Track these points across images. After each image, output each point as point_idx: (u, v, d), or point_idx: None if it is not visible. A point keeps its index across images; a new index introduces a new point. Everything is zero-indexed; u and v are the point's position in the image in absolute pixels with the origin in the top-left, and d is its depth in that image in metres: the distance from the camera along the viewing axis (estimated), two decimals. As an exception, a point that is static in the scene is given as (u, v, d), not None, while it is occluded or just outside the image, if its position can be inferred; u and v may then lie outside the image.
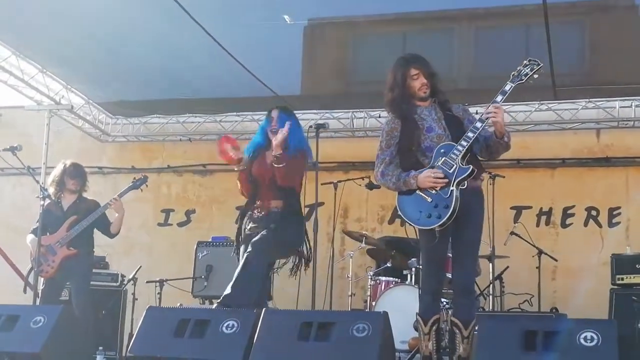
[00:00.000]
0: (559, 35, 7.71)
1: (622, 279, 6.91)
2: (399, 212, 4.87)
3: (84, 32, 8.11)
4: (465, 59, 8.86)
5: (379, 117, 9.48)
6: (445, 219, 4.67)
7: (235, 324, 4.91)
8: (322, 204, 7.06)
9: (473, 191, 4.87)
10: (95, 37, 8.22)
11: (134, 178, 7.58)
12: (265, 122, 6.12)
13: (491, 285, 7.80)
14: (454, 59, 8.69)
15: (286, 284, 6.42)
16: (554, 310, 7.69)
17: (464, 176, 4.71)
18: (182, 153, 10.59)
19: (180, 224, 10.41)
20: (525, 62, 4.93)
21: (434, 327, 4.89)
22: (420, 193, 4.77)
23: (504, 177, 8.03)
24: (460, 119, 4.99)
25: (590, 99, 9.10)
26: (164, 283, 8.29)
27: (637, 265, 6.87)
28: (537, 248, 8.15)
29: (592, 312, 7.39)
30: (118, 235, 7.41)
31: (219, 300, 5.59)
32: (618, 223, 9.01)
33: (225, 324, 4.93)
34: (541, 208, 9.27)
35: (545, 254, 8.17)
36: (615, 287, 6.93)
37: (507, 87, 4.86)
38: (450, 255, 5.03)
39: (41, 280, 6.95)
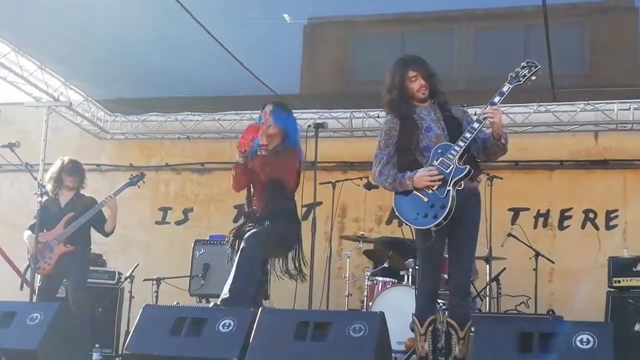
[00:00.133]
0: (559, 36, 7.71)
1: (619, 281, 6.91)
2: (396, 212, 4.87)
3: (84, 30, 8.11)
4: (465, 60, 8.86)
5: (378, 117, 9.48)
6: (441, 218, 4.66)
7: (232, 323, 4.92)
8: (320, 203, 7.07)
9: (470, 192, 4.87)
10: (94, 35, 8.22)
11: (131, 175, 7.58)
12: (258, 119, 6.12)
13: (488, 287, 7.80)
14: (453, 60, 8.69)
15: (283, 283, 6.41)
16: (550, 313, 7.69)
17: (460, 176, 4.71)
18: (181, 151, 10.58)
19: (178, 222, 10.41)
20: (523, 63, 4.93)
21: (430, 328, 4.89)
22: (417, 193, 4.77)
23: (501, 178, 8.03)
24: (459, 120, 4.99)
25: (589, 101, 9.10)
26: (161, 281, 8.28)
27: (634, 268, 6.87)
28: (534, 250, 8.15)
29: (588, 314, 7.40)
30: (115, 233, 7.41)
31: (218, 303, 5.60)
32: (615, 226, 9.01)
33: (222, 323, 4.94)
34: (539, 210, 9.27)
35: (543, 256, 8.17)
36: (612, 289, 6.93)
37: (505, 89, 4.87)
38: (447, 256, 5.04)
39: (38, 277, 6.95)
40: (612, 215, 9.03)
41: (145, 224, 10.44)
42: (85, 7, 7.70)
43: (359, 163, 9.32)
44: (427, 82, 4.97)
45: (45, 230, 6.99)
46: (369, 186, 7.82)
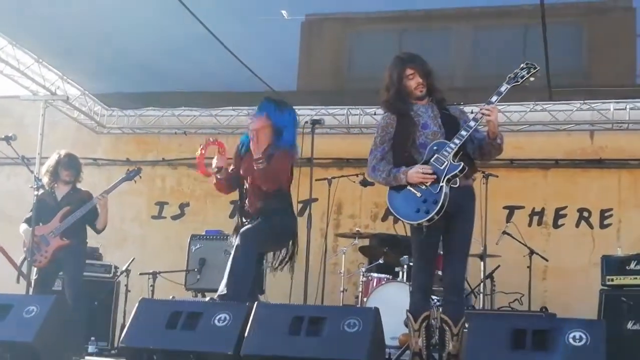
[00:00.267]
0: (556, 36, 7.73)
1: (612, 280, 6.93)
2: (388, 206, 4.89)
3: (81, 24, 8.10)
4: (462, 58, 8.88)
5: (375, 114, 9.50)
6: (433, 214, 4.69)
7: (227, 317, 4.93)
8: (315, 200, 7.09)
9: (465, 190, 4.89)
10: (92, 29, 8.22)
11: (128, 169, 7.59)
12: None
13: (482, 284, 7.83)
14: (451, 58, 8.71)
15: (279, 278, 6.43)
16: (543, 310, 7.72)
17: (454, 173, 4.73)
18: (177, 146, 10.59)
19: (174, 217, 10.43)
20: (522, 65, 4.96)
21: (424, 324, 4.92)
22: (411, 188, 4.79)
23: (497, 176, 8.06)
24: (456, 118, 5.01)
25: (585, 101, 9.13)
26: (157, 275, 8.30)
27: (627, 267, 6.88)
28: (528, 248, 8.18)
29: (581, 312, 7.42)
30: (111, 227, 7.42)
31: (215, 299, 5.62)
32: (609, 225, 9.05)
33: (218, 317, 4.95)
34: (533, 208, 9.31)
35: (537, 253, 8.21)
36: (605, 288, 6.95)
37: (503, 88, 4.89)
38: (442, 252, 5.07)
39: (34, 270, 6.96)
40: (606, 214, 9.07)
41: (141, 219, 10.46)
42: (83, 1, 7.70)
43: (355, 160, 9.34)
44: (425, 80, 4.99)
45: (41, 224, 6.99)
46: (364, 183, 7.83)
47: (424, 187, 4.76)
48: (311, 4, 7.83)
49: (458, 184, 4.76)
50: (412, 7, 7.83)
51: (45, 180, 7.08)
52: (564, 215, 9.21)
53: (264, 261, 6.32)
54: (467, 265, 5.20)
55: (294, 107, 9.05)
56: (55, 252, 6.95)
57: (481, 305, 7.78)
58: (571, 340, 4.41)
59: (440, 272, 5.45)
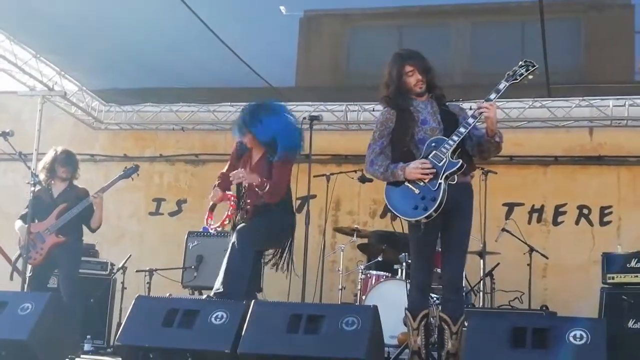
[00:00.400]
0: (555, 32, 7.72)
1: (613, 277, 6.91)
2: (386, 203, 4.86)
3: (79, 19, 8.07)
4: (461, 54, 8.86)
5: (373, 110, 9.46)
6: (431, 211, 4.66)
7: (225, 315, 4.91)
8: (314, 196, 7.07)
9: (463, 187, 4.87)
10: (90, 25, 8.18)
11: (125, 167, 7.55)
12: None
13: (482, 282, 7.80)
14: (449, 54, 8.68)
15: (276, 276, 6.41)
16: (544, 308, 7.69)
17: (452, 170, 4.71)
18: (175, 142, 10.56)
19: (172, 214, 10.39)
20: (521, 62, 4.95)
21: (423, 322, 4.89)
22: (409, 185, 4.77)
23: (496, 173, 8.03)
24: (455, 115, 5.00)
25: (584, 97, 9.11)
26: (154, 273, 8.26)
27: (627, 265, 6.87)
28: (528, 245, 8.16)
29: (582, 310, 7.41)
30: (108, 224, 7.39)
31: (211, 296, 5.60)
32: (609, 222, 9.04)
33: (214, 315, 4.92)
34: (533, 205, 9.29)
35: (536, 251, 8.18)
36: (606, 286, 6.93)
37: (501, 86, 4.88)
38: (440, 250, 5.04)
39: (28, 267, 6.92)
40: (606, 212, 9.06)
41: (138, 215, 10.43)
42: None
43: (353, 156, 9.31)
44: (424, 77, 4.97)
45: (37, 221, 6.96)
46: (363, 179, 7.81)
47: (422, 183, 4.73)
48: (309, 0, 7.79)
49: (456, 180, 4.73)
50: (411, 4, 7.82)
51: (42, 177, 7.05)
52: (564, 213, 9.19)
53: (262, 259, 6.30)
54: (465, 263, 5.16)
55: (293, 103, 9.12)
56: (51, 250, 6.91)
57: (481, 304, 7.75)
58: (572, 339, 4.40)
59: (439, 270, 5.41)
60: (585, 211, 9.12)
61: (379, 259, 7.73)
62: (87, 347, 7.81)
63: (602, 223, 9.03)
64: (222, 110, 10.21)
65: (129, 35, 8.37)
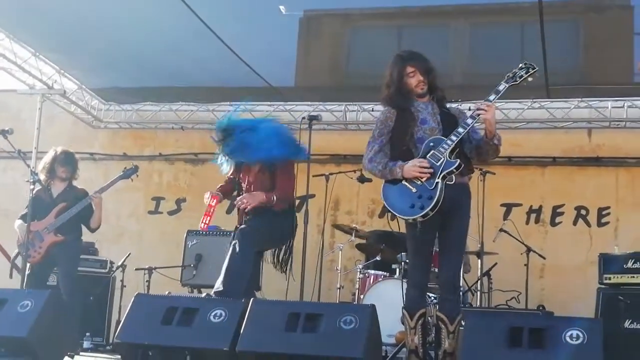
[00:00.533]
0: (554, 33, 7.72)
1: (610, 278, 6.92)
2: (383, 201, 4.88)
3: (79, 18, 8.08)
4: (460, 55, 8.87)
5: (372, 110, 9.48)
6: (427, 209, 4.68)
7: (223, 313, 4.92)
8: (313, 196, 7.07)
9: (461, 187, 4.89)
10: (89, 23, 8.19)
11: (125, 167, 7.57)
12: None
13: (479, 282, 7.82)
14: (448, 55, 8.69)
15: (275, 274, 6.43)
16: (540, 308, 7.71)
17: (450, 169, 4.73)
18: (174, 141, 10.57)
19: (171, 213, 10.40)
20: (521, 64, 4.98)
21: (420, 321, 4.91)
22: (406, 183, 4.79)
23: (494, 173, 8.04)
24: (455, 117, 5.02)
25: (583, 99, 9.12)
26: (153, 271, 8.27)
27: (624, 265, 6.88)
28: (525, 246, 8.18)
29: (578, 310, 7.42)
30: (108, 222, 7.41)
31: (212, 295, 5.63)
32: (607, 223, 9.05)
33: (213, 313, 4.93)
34: (531, 206, 9.30)
35: (534, 251, 8.21)
36: (603, 286, 6.94)
37: (501, 87, 4.91)
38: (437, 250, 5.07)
39: (27, 265, 6.94)
40: (604, 213, 9.07)
41: (138, 214, 10.44)
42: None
43: (352, 156, 9.32)
44: (426, 78, 4.99)
45: (36, 220, 6.98)
46: (362, 179, 7.83)
47: (419, 182, 4.75)
48: (309, 0, 7.81)
49: (454, 181, 4.76)
50: (410, 4, 7.82)
51: (41, 177, 7.07)
52: (562, 213, 9.21)
53: (262, 260, 6.34)
54: (462, 263, 5.18)
55: (292, 102, 9.15)
56: (49, 248, 6.94)
57: (478, 303, 7.76)
58: (568, 339, 4.41)
59: (436, 270, 5.44)
60: (583, 212, 9.14)
61: (377, 258, 7.75)
62: (86, 344, 7.82)
63: (600, 224, 9.05)
64: (221, 109, 10.19)
65: (129, 34, 8.38)
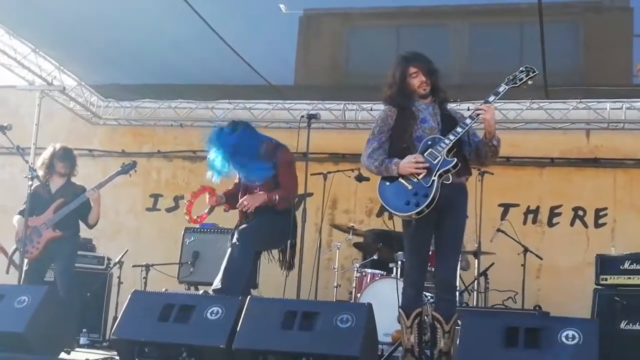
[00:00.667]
0: (553, 34, 7.72)
1: (606, 279, 6.92)
2: (379, 197, 4.89)
3: (79, 14, 8.07)
4: (459, 55, 8.86)
5: (371, 109, 9.49)
6: (423, 207, 4.69)
7: (220, 311, 4.93)
8: (311, 194, 7.07)
9: (458, 187, 4.91)
10: (89, 20, 8.18)
11: (123, 163, 7.58)
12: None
13: (476, 281, 7.83)
14: (447, 55, 8.69)
15: (272, 272, 6.44)
16: (537, 308, 7.73)
17: (447, 168, 4.75)
18: (173, 139, 10.57)
19: (169, 210, 10.41)
20: (522, 68, 5.02)
21: (416, 321, 4.92)
22: (402, 180, 4.81)
23: (492, 174, 8.03)
24: (455, 119, 5.04)
25: (582, 100, 9.13)
26: (150, 268, 8.28)
27: (621, 266, 6.88)
28: (522, 246, 8.19)
29: (575, 311, 7.42)
30: (105, 219, 7.42)
31: (209, 292, 5.66)
32: (604, 224, 9.06)
33: (210, 310, 4.95)
34: (528, 206, 9.31)
35: (531, 252, 8.22)
36: (599, 287, 6.95)
37: (501, 89, 4.95)
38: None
39: (25, 261, 6.94)
40: (601, 214, 9.08)
41: (135, 211, 10.44)
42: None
43: (351, 155, 9.32)
44: (428, 79, 5.01)
45: (34, 216, 6.98)
46: (360, 178, 7.84)
47: (415, 180, 4.77)
48: (309, -1, 7.83)
49: (451, 180, 4.77)
50: (410, 4, 7.81)
51: (40, 173, 7.08)
52: (559, 214, 9.22)
53: (259, 258, 6.36)
54: (459, 262, 5.20)
55: (291, 101, 9.17)
56: (47, 244, 6.95)
57: (474, 303, 7.78)
58: (564, 339, 4.42)
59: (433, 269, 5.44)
60: (581, 213, 9.15)
61: (375, 257, 7.76)
62: (82, 340, 7.83)
63: (597, 225, 9.06)
64: (220, 107, 10.23)
65: (129, 31, 8.37)
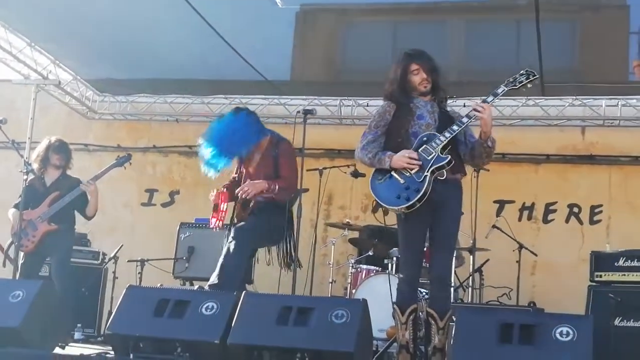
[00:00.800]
0: (550, 32, 7.74)
1: (601, 276, 6.93)
2: (370, 190, 4.90)
3: (74, 8, 8.06)
4: (456, 52, 8.87)
5: (367, 105, 9.49)
6: (414, 200, 4.71)
7: (215, 306, 4.93)
8: (306, 190, 7.07)
9: (452, 183, 4.93)
10: (85, 14, 8.17)
11: (118, 156, 7.57)
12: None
13: (471, 278, 7.85)
14: (444, 51, 8.69)
15: (268, 268, 6.44)
16: (531, 305, 7.74)
17: (440, 164, 4.77)
18: (169, 133, 10.55)
19: (164, 205, 10.40)
20: (522, 71, 5.06)
21: (411, 317, 4.93)
22: (395, 175, 4.82)
23: (488, 170, 8.03)
24: (453, 118, 5.05)
25: (577, 97, 9.14)
26: (145, 263, 8.27)
27: (615, 263, 6.89)
28: (517, 242, 8.20)
29: (569, 307, 7.41)
30: (101, 213, 7.40)
31: (205, 288, 5.65)
32: (599, 221, 9.08)
33: (205, 305, 4.94)
34: (524, 203, 9.33)
35: (526, 248, 8.23)
36: (594, 283, 6.96)
37: (500, 90, 4.99)
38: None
39: (20, 255, 6.94)
40: (596, 211, 9.10)
41: (131, 206, 10.43)
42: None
43: (346, 151, 9.32)
44: (429, 77, 5.02)
45: (30, 209, 6.97)
46: (356, 174, 7.84)
47: (408, 174, 4.78)
48: (306, -6, 7.83)
49: (445, 176, 4.78)
50: (406, 0, 7.82)
51: (35, 166, 7.07)
52: (554, 211, 9.23)
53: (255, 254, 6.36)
54: (453, 258, 5.21)
55: (287, 96, 9.15)
56: (43, 237, 6.93)
57: (469, 299, 7.79)
58: (558, 336, 4.43)
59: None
60: (576, 210, 9.16)
61: (370, 253, 7.77)
62: (77, 335, 7.81)
63: (592, 222, 9.08)
64: (216, 102, 10.21)
65: (125, 26, 8.37)
